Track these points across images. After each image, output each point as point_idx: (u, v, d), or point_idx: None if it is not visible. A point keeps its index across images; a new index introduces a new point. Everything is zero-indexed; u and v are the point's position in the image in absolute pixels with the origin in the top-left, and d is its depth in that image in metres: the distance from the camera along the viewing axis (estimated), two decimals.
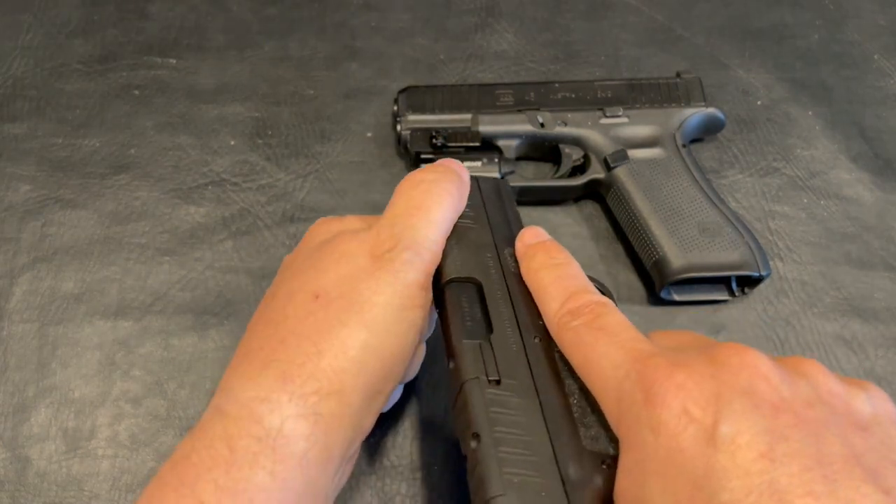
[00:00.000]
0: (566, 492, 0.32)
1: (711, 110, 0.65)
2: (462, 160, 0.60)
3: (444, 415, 0.57)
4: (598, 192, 0.65)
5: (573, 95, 0.66)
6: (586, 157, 0.64)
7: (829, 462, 0.27)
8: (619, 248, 0.64)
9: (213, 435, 0.35)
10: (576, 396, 0.36)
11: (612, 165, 0.62)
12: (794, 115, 0.71)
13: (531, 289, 0.41)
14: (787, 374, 0.31)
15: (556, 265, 0.40)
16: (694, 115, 0.65)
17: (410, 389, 0.58)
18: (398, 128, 0.65)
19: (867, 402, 0.31)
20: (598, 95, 0.66)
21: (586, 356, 0.35)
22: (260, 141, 0.69)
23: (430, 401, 0.58)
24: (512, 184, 0.61)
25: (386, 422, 0.57)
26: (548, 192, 0.64)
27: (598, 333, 0.35)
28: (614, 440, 0.34)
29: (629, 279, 0.62)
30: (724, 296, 0.60)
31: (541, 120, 0.64)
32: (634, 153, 0.62)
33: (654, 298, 0.61)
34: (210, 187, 0.67)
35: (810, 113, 0.71)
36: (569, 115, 0.64)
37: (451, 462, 0.55)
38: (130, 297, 0.61)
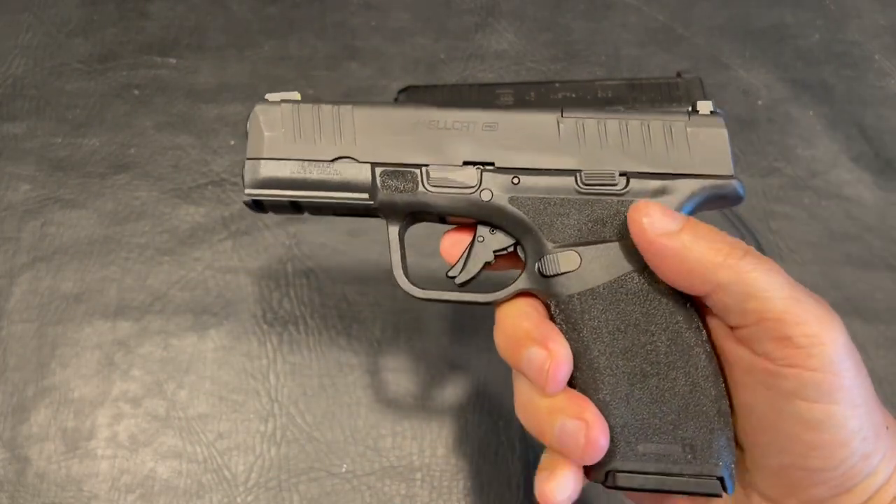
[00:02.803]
0: None
1: None
2: None
3: (444, 415, 0.57)
4: None
5: (574, 95, 0.66)
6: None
7: None
8: None
9: None
10: None
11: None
12: (795, 115, 0.71)
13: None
14: None
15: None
16: None
17: (410, 390, 0.58)
18: None
19: None
20: (599, 95, 0.65)
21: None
22: None
23: (429, 401, 0.58)
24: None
25: (386, 422, 0.57)
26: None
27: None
28: None
29: None
30: None
31: None
32: None
33: None
34: (210, 187, 0.67)
35: (811, 113, 0.71)
36: None
37: (450, 462, 0.55)
38: (130, 296, 0.61)
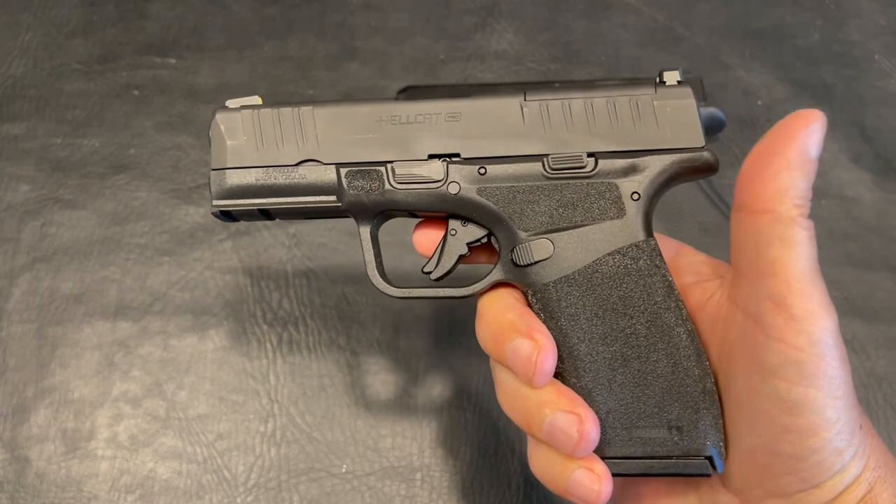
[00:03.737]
0: None
1: (712, 110, 0.65)
2: None
3: (444, 416, 0.57)
4: None
5: None
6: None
7: None
8: None
9: None
10: None
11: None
12: None
13: None
14: None
15: None
16: None
17: (410, 390, 0.58)
18: None
19: None
20: None
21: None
22: None
23: (429, 402, 0.58)
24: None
25: (386, 423, 0.57)
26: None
27: None
28: None
29: None
30: None
31: None
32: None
33: None
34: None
35: None
36: None
37: (450, 463, 0.55)
38: (130, 297, 0.61)
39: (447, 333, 0.60)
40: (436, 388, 0.58)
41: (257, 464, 0.55)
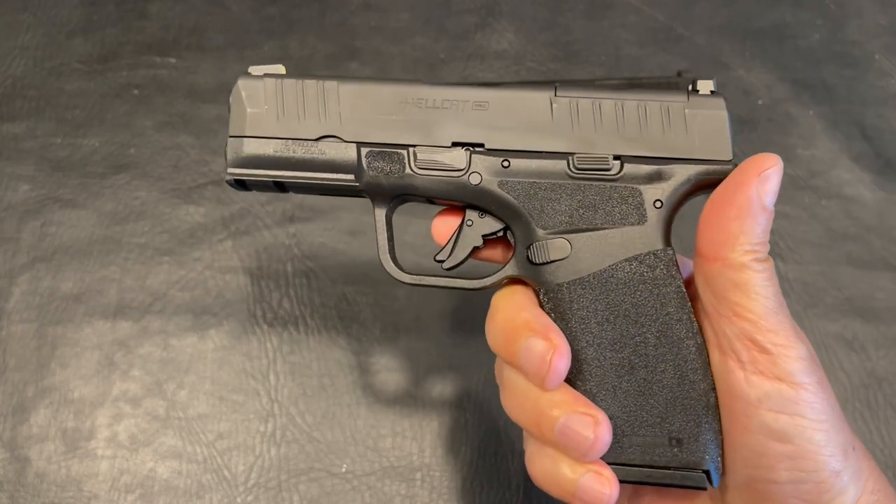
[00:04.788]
0: None
1: None
2: None
3: (444, 415, 0.57)
4: None
5: None
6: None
7: None
8: None
9: None
10: None
11: None
12: (795, 114, 0.71)
13: None
14: None
15: None
16: None
17: (410, 390, 0.58)
18: None
19: None
20: None
21: None
22: None
23: (429, 402, 0.58)
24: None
25: (386, 422, 0.57)
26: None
27: None
28: None
29: None
30: None
31: None
32: None
33: None
34: (210, 187, 0.67)
35: (811, 113, 0.71)
36: None
37: (450, 462, 0.55)
38: (129, 297, 0.61)
39: (448, 333, 0.60)
40: (436, 388, 0.58)
41: (257, 463, 0.55)
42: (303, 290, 0.62)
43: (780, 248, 0.64)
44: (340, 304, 0.61)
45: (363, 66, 0.74)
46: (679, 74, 0.67)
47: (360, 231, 0.63)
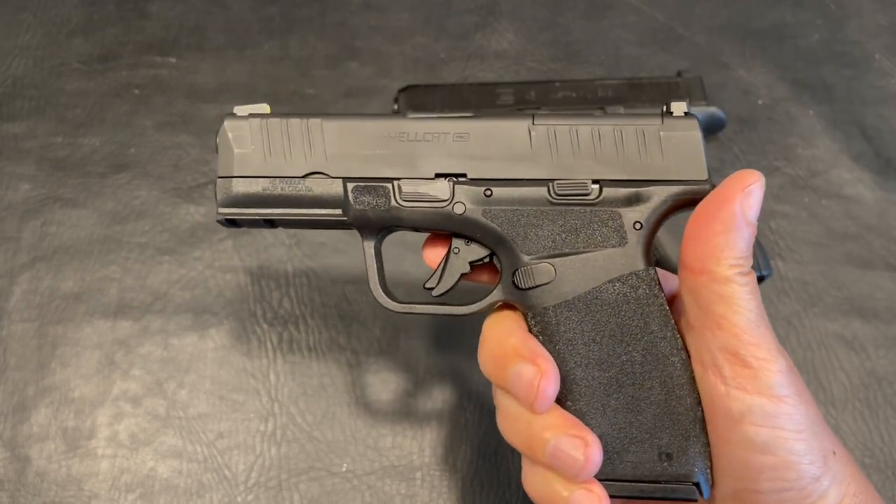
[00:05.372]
0: None
1: (712, 109, 0.65)
2: None
3: (444, 415, 0.57)
4: None
5: (574, 94, 0.66)
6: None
7: None
8: None
9: None
10: None
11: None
12: (795, 114, 0.71)
13: None
14: None
15: None
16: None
17: (410, 389, 0.58)
18: None
19: None
20: (599, 94, 0.65)
21: None
22: None
23: (430, 401, 0.58)
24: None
25: (386, 422, 0.57)
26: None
27: None
28: None
29: None
30: None
31: None
32: None
33: None
34: (210, 186, 0.67)
35: (811, 112, 0.71)
36: None
37: (450, 462, 0.55)
38: (130, 296, 0.61)
39: (448, 333, 0.60)
40: (436, 388, 0.58)
41: (258, 463, 0.55)
42: (303, 289, 0.62)
43: (780, 248, 0.64)
44: (341, 304, 0.61)
45: (363, 66, 0.74)
46: (679, 74, 0.68)
47: None
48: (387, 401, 0.58)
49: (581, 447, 0.37)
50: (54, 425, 0.56)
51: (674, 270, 0.56)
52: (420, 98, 0.66)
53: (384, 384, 0.58)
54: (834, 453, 0.37)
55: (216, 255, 0.63)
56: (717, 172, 0.68)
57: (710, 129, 0.67)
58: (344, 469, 0.55)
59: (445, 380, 0.58)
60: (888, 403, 0.58)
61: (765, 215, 0.65)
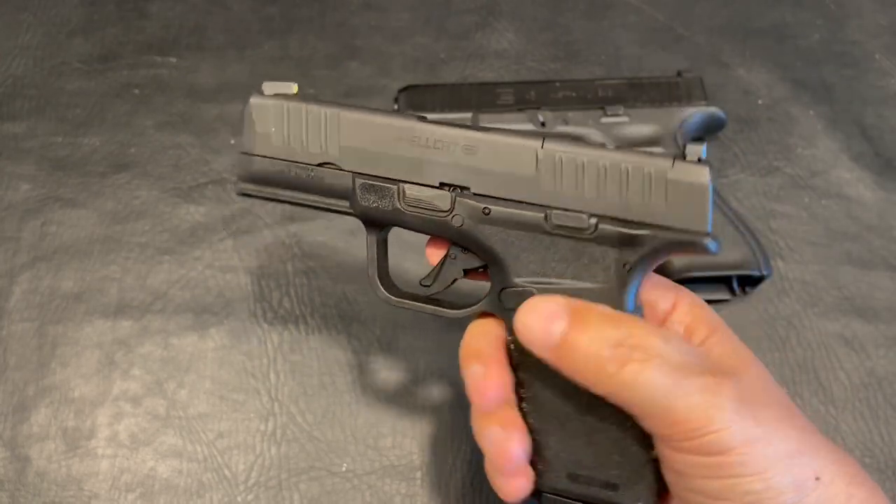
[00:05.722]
0: None
1: (712, 109, 0.65)
2: None
3: (443, 415, 0.57)
4: None
5: (574, 94, 0.66)
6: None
7: None
8: None
9: None
10: None
11: None
12: (795, 114, 0.71)
13: None
14: None
15: None
16: (695, 114, 0.65)
17: (410, 389, 0.58)
18: None
19: None
20: (599, 94, 0.65)
21: None
22: None
23: (430, 400, 0.58)
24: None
25: (386, 421, 0.57)
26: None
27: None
28: None
29: None
30: (725, 295, 0.60)
31: (541, 119, 0.64)
32: None
33: None
34: (210, 186, 0.67)
35: (811, 112, 0.71)
36: (569, 114, 0.64)
37: (450, 462, 0.55)
38: (130, 296, 0.61)
39: (448, 332, 0.60)
40: (436, 387, 0.58)
41: (258, 462, 0.55)
42: (303, 289, 0.62)
43: (780, 248, 0.64)
44: (341, 304, 0.61)
45: (363, 66, 0.74)
46: (679, 74, 0.68)
47: (361, 230, 0.62)
48: (387, 401, 0.58)
49: (504, 440, 0.40)
50: (54, 425, 0.56)
51: (671, 275, 0.56)
52: (420, 98, 0.66)
53: (384, 384, 0.58)
54: (816, 479, 0.35)
55: (216, 255, 0.63)
56: (717, 172, 0.68)
57: (710, 129, 0.67)
58: (344, 469, 0.55)
59: (445, 379, 0.58)
60: (888, 403, 0.58)
61: (765, 215, 0.65)
